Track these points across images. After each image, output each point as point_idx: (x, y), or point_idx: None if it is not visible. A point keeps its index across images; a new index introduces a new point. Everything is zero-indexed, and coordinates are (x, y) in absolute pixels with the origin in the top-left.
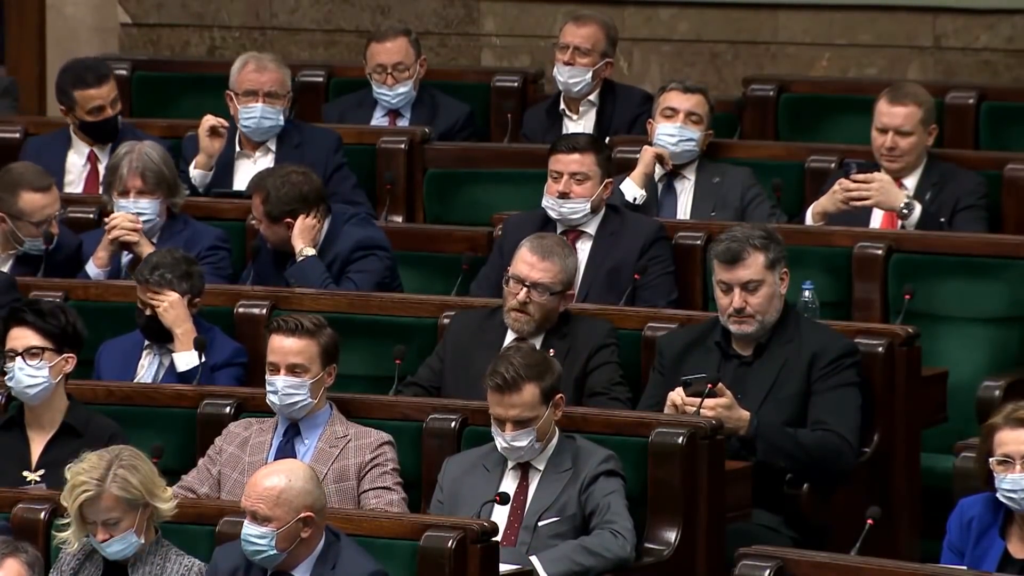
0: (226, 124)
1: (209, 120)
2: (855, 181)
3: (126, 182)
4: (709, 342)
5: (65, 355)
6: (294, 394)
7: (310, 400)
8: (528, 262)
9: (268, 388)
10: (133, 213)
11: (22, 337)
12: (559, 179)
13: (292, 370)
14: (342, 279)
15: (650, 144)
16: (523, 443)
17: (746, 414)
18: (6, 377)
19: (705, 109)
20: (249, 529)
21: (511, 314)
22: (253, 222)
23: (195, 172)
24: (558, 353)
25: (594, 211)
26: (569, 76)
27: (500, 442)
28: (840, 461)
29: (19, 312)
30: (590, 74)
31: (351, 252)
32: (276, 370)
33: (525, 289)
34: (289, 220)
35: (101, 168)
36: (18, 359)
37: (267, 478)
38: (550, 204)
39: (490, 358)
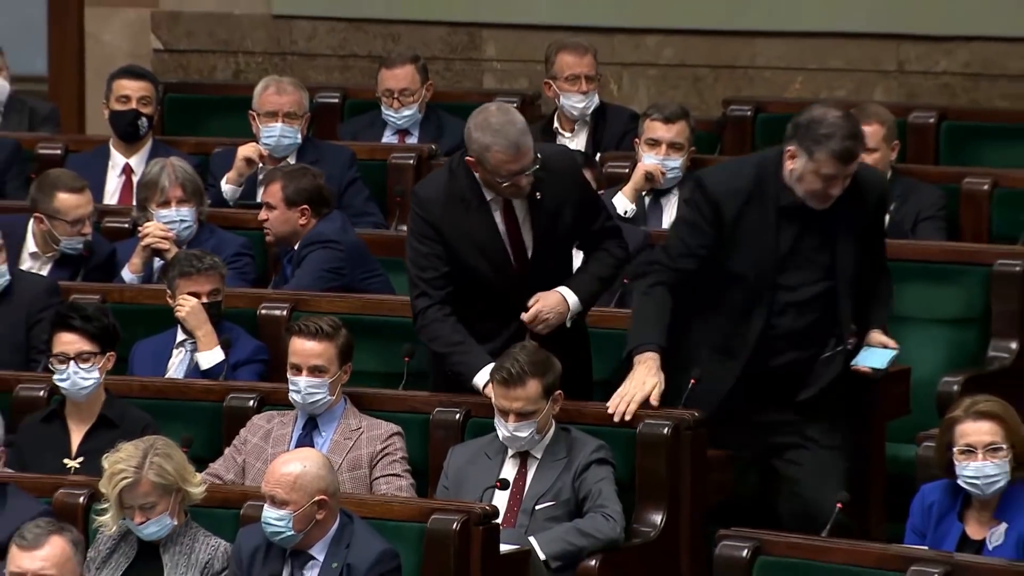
0: (264, 153)
1: (249, 151)
2: None
3: (168, 193)
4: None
5: (108, 354)
6: (315, 393)
7: (329, 397)
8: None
9: (291, 387)
10: (176, 221)
11: (73, 342)
12: None
13: (313, 371)
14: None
15: (637, 161)
16: (524, 434)
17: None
18: (56, 377)
19: (686, 134)
20: (268, 512)
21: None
22: (262, 217)
23: (227, 187)
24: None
25: None
26: (585, 104)
27: (503, 432)
28: None
29: (67, 318)
30: (596, 96)
31: (300, 250)
32: (299, 371)
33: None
34: (305, 207)
35: (135, 179)
36: (71, 363)
37: (285, 465)
38: None
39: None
